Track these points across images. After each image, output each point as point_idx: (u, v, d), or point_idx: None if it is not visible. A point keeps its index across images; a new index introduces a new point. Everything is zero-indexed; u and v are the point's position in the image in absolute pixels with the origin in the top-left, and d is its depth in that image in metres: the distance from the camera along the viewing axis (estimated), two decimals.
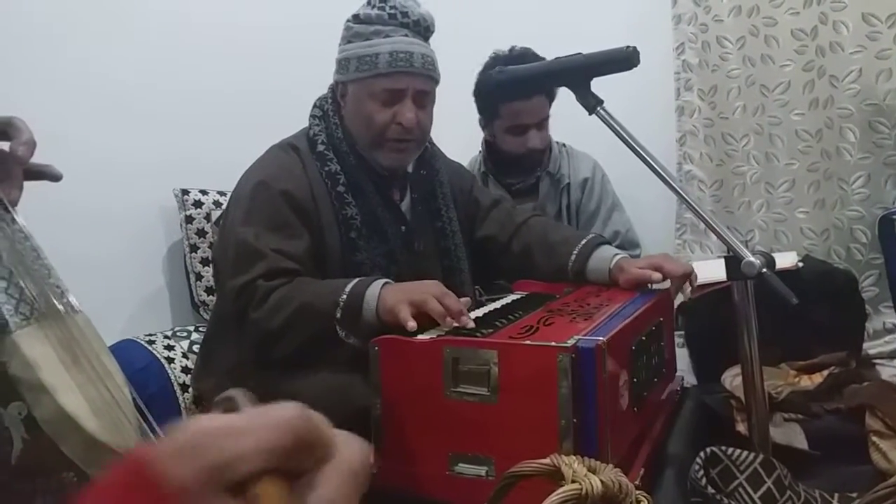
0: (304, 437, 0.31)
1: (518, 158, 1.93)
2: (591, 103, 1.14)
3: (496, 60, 1.86)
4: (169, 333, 1.66)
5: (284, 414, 0.31)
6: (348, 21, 1.36)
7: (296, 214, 1.29)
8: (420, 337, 1.04)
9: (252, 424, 0.30)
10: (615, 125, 1.14)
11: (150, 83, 1.79)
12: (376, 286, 1.20)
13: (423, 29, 1.35)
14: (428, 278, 1.23)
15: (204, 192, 1.87)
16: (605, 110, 1.14)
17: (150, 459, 0.28)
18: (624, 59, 1.13)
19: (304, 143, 1.38)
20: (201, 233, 1.84)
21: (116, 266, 1.72)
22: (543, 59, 1.79)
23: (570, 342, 0.92)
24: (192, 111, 1.87)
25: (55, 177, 0.62)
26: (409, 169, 1.45)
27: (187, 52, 1.88)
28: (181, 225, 1.83)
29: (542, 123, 1.92)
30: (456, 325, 1.09)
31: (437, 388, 0.98)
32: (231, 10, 2.00)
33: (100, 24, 1.70)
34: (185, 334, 1.67)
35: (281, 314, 1.21)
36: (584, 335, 0.95)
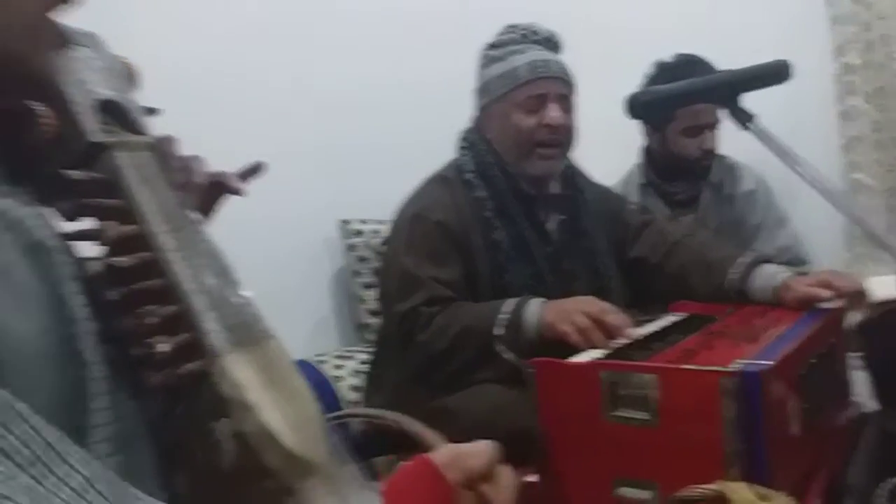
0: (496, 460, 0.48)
1: (691, 163, 1.89)
2: (743, 118, 1.11)
3: (661, 69, 1.83)
4: (337, 354, 1.78)
5: (489, 445, 0.52)
6: (484, 50, 1.46)
7: (449, 244, 1.37)
8: (576, 359, 1.05)
9: (478, 450, 0.51)
10: (770, 139, 1.09)
11: (311, 122, 1.93)
12: (536, 303, 1.25)
13: (553, 45, 1.45)
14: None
15: (363, 222, 1.98)
16: (758, 124, 1.10)
17: (434, 463, 0.44)
18: (774, 74, 1.09)
19: (452, 173, 1.46)
20: (362, 259, 1.96)
21: (288, 294, 1.86)
22: (710, 65, 1.75)
23: (734, 367, 0.89)
24: (349, 152, 2.00)
25: (236, 190, 0.70)
26: (555, 190, 1.48)
27: (351, 93, 2.00)
28: (343, 253, 1.96)
29: (716, 124, 1.86)
30: (620, 342, 1.10)
31: (596, 411, 0.98)
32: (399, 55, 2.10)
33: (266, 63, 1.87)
34: (351, 355, 1.79)
35: (445, 337, 1.28)
36: (749, 359, 0.92)
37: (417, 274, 1.33)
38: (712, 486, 0.65)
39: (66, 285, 0.51)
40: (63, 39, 0.54)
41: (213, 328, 0.56)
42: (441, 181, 1.45)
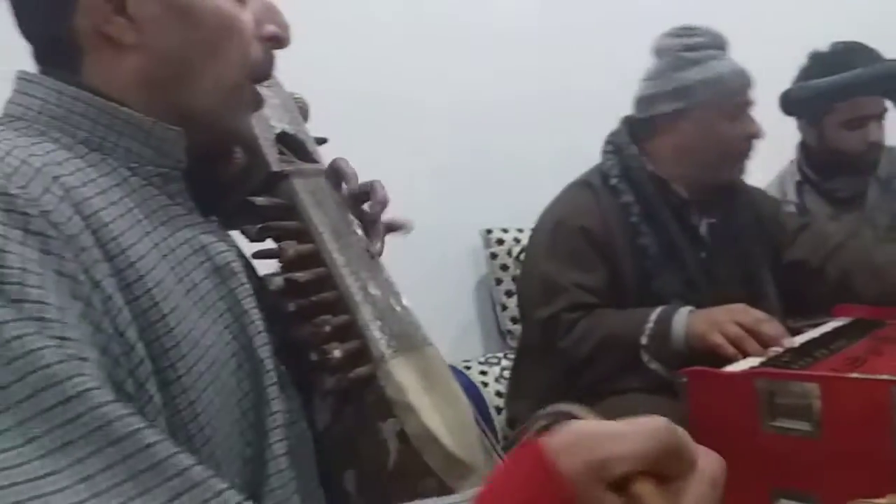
0: (672, 446, 0.36)
1: (854, 158, 1.73)
2: None
3: (816, 60, 1.72)
4: (482, 360, 1.82)
5: (655, 424, 0.36)
6: (677, 51, 1.40)
7: (593, 249, 1.35)
8: (731, 368, 1.02)
9: (628, 431, 0.36)
10: None
11: (452, 132, 2.00)
12: (684, 312, 1.22)
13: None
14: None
15: (505, 231, 2.02)
16: None
17: (547, 450, 0.35)
18: None
19: (597, 178, 1.44)
20: (504, 267, 1.99)
21: (434, 302, 1.92)
22: (873, 52, 1.62)
23: None
24: (491, 163, 2.04)
25: (405, 229, 0.73)
26: (706, 194, 1.43)
27: (492, 104, 2.04)
28: (486, 261, 2.00)
29: (882, 114, 1.71)
30: (774, 351, 1.06)
31: (753, 421, 0.95)
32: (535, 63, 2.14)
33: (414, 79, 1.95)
34: (495, 360, 1.83)
35: (588, 343, 1.27)
36: None
37: (559, 280, 1.33)
38: (881, 501, 0.62)
39: (246, 302, 0.59)
40: (259, 99, 0.61)
41: (378, 336, 0.62)
42: (584, 187, 1.44)
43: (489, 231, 2.02)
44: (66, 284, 0.45)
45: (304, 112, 0.72)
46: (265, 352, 0.58)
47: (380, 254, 0.68)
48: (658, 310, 1.24)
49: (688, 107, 1.37)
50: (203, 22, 0.56)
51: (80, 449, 0.39)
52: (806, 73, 1.72)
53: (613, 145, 1.46)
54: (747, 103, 1.38)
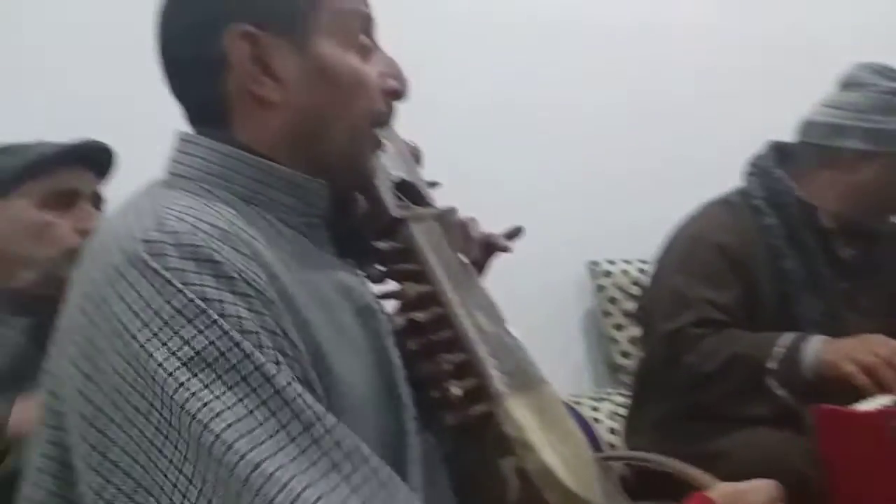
0: None
1: None
2: None
3: None
4: (593, 396, 1.79)
5: (771, 486, 0.51)
6: (882, 93, 1.33)
7: (729, 266, 1.32)
8: (862, 407, 0.97)
9: (757, 488, 0.50)
10: None
11: (558, 164, 2.00)
12: (817, 339, 1.18)
13: None
14: None
15: (611, 262, 1.99)
16: None
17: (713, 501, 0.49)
18: None
19: (737, 198, 1.41)
20: (612, 300, 1.96)
21: (539, 335, 1.90)
22: None
23: None
24: (596, 191, 2.02)
25: (504, 248, 0.75)
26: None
27: (595, 135, 2.03)
28: (593, 294, 1.98)
29: None
30: None
31: (888, 462, 0.90)
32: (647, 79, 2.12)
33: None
34: (606, 396, 1.79)
35: (714, 360, 1.23)
36: None
37: (688, 294, 1.30)
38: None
39: (386, 339, 0.63)
40: (380, 142, 0.66)
41: (494, 374, 0.63)
42: (724, 205, 1.41)
43: (595, 263, 2.00)
44: (271, 339, 0.50)
45: (417, 157, 0.76)
46: (404, 387, 0.62)
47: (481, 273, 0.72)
48: (790, 335, 1.21)
49: (880, 152, 1.31)
50: (339, 79, 0.60)
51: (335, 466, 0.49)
52: None
53: (757, 168, 1.43)
54: None
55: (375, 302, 0.65)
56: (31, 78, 1.40)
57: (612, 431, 1.68)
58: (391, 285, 0.67)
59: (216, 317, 0.48)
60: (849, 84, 1.36)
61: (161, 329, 0.48)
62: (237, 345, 0.48)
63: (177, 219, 0.51)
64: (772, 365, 1.18)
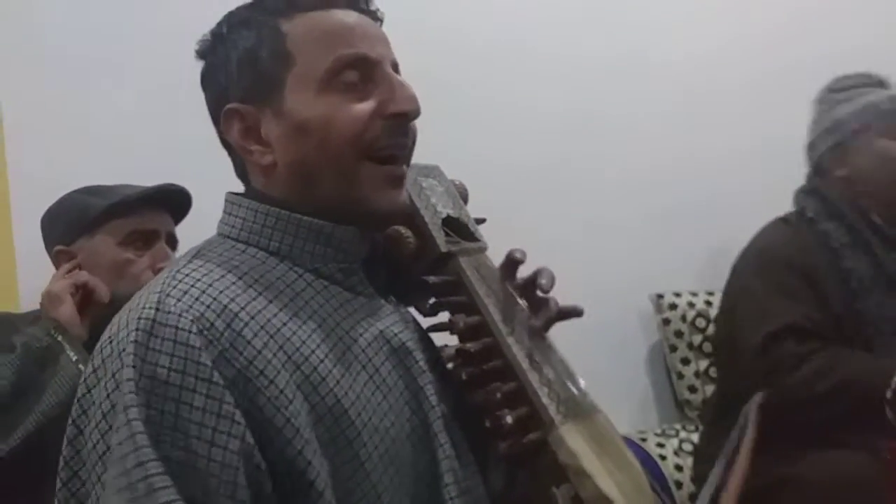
0: None
1: None
2: None
3: None
4: (659, 431, 1.75)
5: None
6: (824, 94, 1.46)
7: (799, 277, 1.33)
8: None
9: None
10: None
11: (618, 196, 2.00)
12: None
13: (886, 84, 1.44)
14: None
15: (677, 295, 1.96)
16: None
17: None
18: None
19: (792, 216, 1.45)
20: (678, 333, 1.92)
21: (603, 370, 1.88)
22: None
23: None
24: (659, 225, 2.00)
25: (578, 313, 0.72)
26: None
27: (659, 170, 2.02)
28: (658, 327, 1.95)
29: None
30: None
31: None
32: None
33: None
34: (673, 433, 1.75)
35: (825, 383, 1.21)
36: None
37: (773, 301, 1.30)
38: None
39: (422, 378, 0.65)
40: (396, 177, 0.67)
41: (546, 402, 0.64)
42: (783, 222, 1.45)
43: (660, 296, 1.97)
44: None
45: (463, 195, 0.78)
46: (439, 426, 0.64)
47: (544, 329, 0.69)
48: None
49: (845, 138, 1.39)
50: (309, 126, 0.63)
51: None
52: None
53: (804, 191, 1.47)
54: None
55: (415, 338, 0.67)
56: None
57: (679, 468, 1.64)
58: (442, 318, 0.69)
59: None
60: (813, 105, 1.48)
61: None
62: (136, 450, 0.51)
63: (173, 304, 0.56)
64: (889, 395, 1.15)
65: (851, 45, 1.97)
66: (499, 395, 0.63)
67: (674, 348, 1.92)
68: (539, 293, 0.68)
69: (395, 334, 0.65)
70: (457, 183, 0.78)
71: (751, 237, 1.46)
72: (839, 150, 1.41)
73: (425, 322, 0.72)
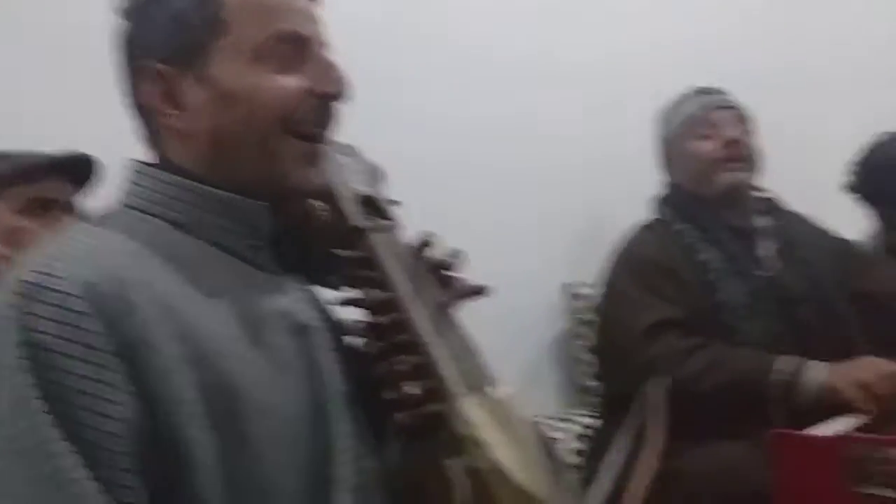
0: None
1: None
2: None
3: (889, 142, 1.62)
4: (558, 417, 1.81)
5: None
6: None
7: (664, 276, 1.39)
8: (818, 432, 0.99)
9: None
10: None
11: (531, 188, 2.03)
12: (818, 366, 1.21)
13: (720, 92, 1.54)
14: (803, 326, 1.26)
15: (586, 285, 2.01)
16: None
17: None
18: None
19: (652, 221, 1.54)
20: (584, 322, 1.98)
21: (510, 355, 1.93)
22: None
23: None
24: (571, 217, 2.05)
25: (484, 292, 0.75)
26: (759, 224, 1.47)
27: (572, 165, 2.07)
28: (566, 316, 2.00)
29: None
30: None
31: (841, 486, 0.91)
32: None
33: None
34: (574, 418, 1.81)
35: (709, 379, 1.25)
36: None
37: (645, 299, 1.36)
38: None
39: (323, 356, 0.65)
40: (314, 154, 0.66)
41: (451, 375, 0.65)
42: (643, 228, 1.53)
43: (568, 285, 2.02)
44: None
45: (379, 176, 0.79)
46: (338, 404, 0.64)
47: (449, 306, 0.71)
48: (788, 360, 1.23)
49: (669, 148, 1.53)
50: (236, 98, 0.62)
51: None
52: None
53: (657, 199, 1.56)
54: (714, 122, 1.48)
55: (319, 317, 0.68)
56: None
57: (580, 453, 1.69)
58: (352, 293, 0.68)
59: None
60: None
61: None
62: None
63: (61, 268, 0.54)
64: (775, 391, 1.20)
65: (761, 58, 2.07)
66: (403, 366, 0.64)
67: (579, 336, 1.97)
68: (449, 273, 0.69)
69: (298, 312, 0.65)
70: (373, 164, 0.78)
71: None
72: (668, 157, 1.55)
73: (335, 297, 0.72)
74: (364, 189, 0.73)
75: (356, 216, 0.69)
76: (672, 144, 1.54)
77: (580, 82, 2.08)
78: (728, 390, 1.23)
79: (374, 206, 0.73)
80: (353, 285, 0.68)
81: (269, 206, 0.65)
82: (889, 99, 2.08)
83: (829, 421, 1.05)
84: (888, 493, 0.87)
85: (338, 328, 0.71)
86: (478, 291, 0.73)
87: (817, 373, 1.19)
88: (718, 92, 1.55)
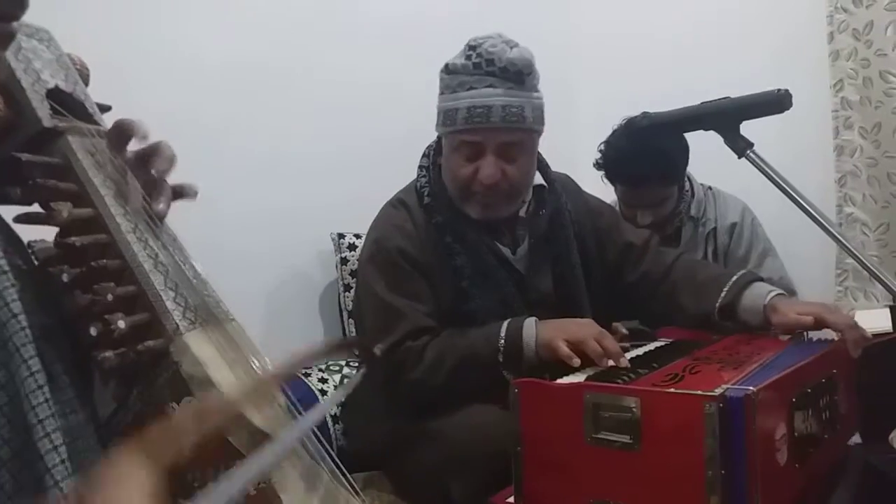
0: None
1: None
2: (741, 146, 1.10)
3: (630, 126, 1.73)
4: (322, 367, 1.75)
5: None
6: (441, 72, 1.34)
7: (414, 270, 1.33)
8: (561, 381, 1.03)
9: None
10: (766, 168, 1.08)
11: (309, 134, 1.93)
12: (530, 323, 1.23)
13: (513, 74, 1.27)
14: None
15: (358, 237, 1.96)
16: (755, 153, 1.09)
17: None
18: (776, 102, 1.08)
19: (412, 196, 1.41)
20: (355, 273, 1.93)
21: (279, 304, 1.84)
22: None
23: (718, 391, 0.86)
24: (347, 160, 1.99)
25: (192, 193, 0.65)
26: (524, 213, 1.42)
27: (346, 104, 2.01)
28: (336, 266, 1.94)
29: (659, 203, 1.83)
30: (611, 365, 1.10)
31: (578, 433, 0.95)
32: (387, 65, 2.11)
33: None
34: (337, 368, 1.76)
35: (442, 370, 1.24)
36: (733, 384, 0.89)
37: (395, 305, 1.29)
38: None
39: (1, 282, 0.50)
40: (5, 35, 0.52)
41: (172, 307, 0.55)
42: (399, 205, 1.40)
43: (342, 235, 1.95)
44: None
45: (83, 76, 0.65)
46: (22, 339, 0.51)
47: (162, 216, 0.61)
48: (505, 324, 1.25)
49: (439, 133, 1.38)
50: None
51: None
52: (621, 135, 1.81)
53: (428, 159, 1.43)
54: (482, 145, 1.29)
55: None
56: None
57: (341, 405, 1.64)
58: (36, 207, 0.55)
59: None
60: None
61: None
62: None
63: None
64: (500, 358, 1.22)
65: None
66: (110, 296, 0.52)
67: (349, 287, 1.92)
68: (152, 172, 0.58)
69: None
70: (74, 58, 0.64)
71: None
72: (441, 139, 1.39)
73: (13, 213, 0.57)
74: (59, 81, 0.59)
75: (45, 113, 0.56)
76: (438, 129, 1.38)
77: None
78: (463, 369, 1.23)
79: (74, 105, 0.60)
80: (40, 198, 0.55)
81: None
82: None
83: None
84: (620, 437, 0.91)
85: (23, 250, 0.57)
86: (186, 192, 0.63)
87: (532, 330, 1.22)
88: (507, 74, 1.27)
